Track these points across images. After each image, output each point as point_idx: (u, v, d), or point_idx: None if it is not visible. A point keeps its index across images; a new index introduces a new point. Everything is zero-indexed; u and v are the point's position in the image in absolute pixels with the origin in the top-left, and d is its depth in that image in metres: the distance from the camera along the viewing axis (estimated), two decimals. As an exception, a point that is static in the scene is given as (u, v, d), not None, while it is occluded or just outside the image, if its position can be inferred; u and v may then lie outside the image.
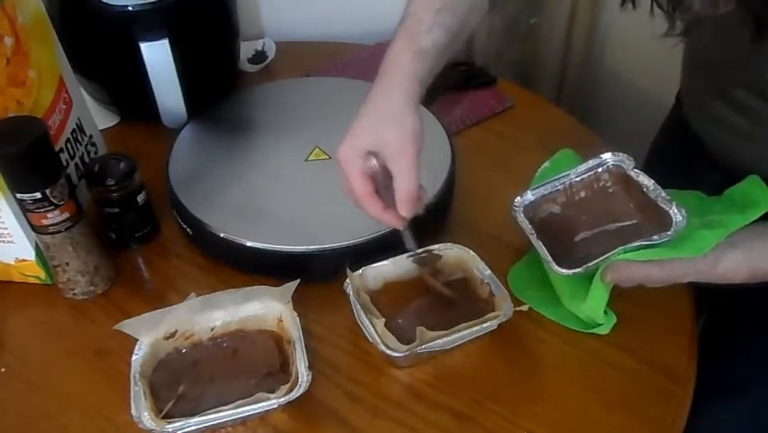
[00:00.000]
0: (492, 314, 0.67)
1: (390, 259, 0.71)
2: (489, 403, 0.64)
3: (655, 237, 0.63)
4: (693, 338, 0.70)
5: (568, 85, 1.38)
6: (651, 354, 0.67)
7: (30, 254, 0.72)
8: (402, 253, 0.71)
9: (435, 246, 0.72)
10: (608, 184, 0.72)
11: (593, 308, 0.67)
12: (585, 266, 0.65)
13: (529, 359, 0.68)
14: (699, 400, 0.66)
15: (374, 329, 0.65)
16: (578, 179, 0.72)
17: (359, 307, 0.67)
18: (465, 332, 0.65)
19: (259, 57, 1.09)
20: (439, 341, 0.64)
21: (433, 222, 0.76)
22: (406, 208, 0.60)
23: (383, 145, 0.60)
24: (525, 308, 0.69)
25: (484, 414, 0.63)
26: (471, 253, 0.71)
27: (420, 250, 0.71)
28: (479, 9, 0.68)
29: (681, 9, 0.59)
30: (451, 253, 0.72)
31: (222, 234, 0.73)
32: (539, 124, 0.97)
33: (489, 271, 0.70)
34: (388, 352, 0.63)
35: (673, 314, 0.71)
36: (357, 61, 1.08)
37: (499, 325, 0.66)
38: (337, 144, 0.61)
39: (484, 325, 0.66)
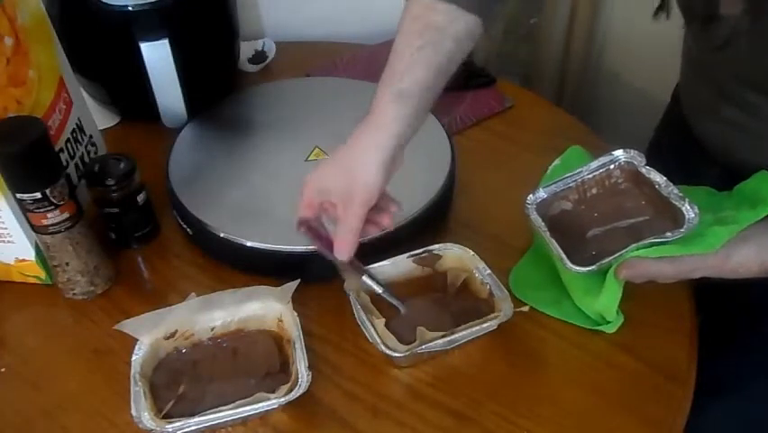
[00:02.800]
0: (492, 314, 0.67)
1: (390, 259, 0.71)
2: (488, 403, 0.64)
3: (668, 234, 0.63)
4: (693, 338, 0.70)
5: (568, 85, 1.38)
6: (651, 354, 0.67)
7: (30, 254, 0.72)
8: (402, 253, 0.71)
9: (435, 246, 0.72)
10: (620, 181, 0.72)
11: (607, 305, 0.67)
12: (599, 263, 0.65)
13: (529, 359, 0.68)
14: (699, 399, 0.66)
15: (374, 329, 0.65)
16: (590, 176, 0.72)
17: (359, 307, 0.67)
18: (465, 332, 0.65)
19: (259, 57, 1.09)
20: (439, 341, 0.64)
21: (433, 222, 0.77)
22: (339, 253, 0.62)
23: (331, 193, 0.61)
24: (525, 308, 0.69)
25: (484, 414, 0.63)
26: (471, 253, 0.71)
27: (420, 250, 0.72)
28: (469, 39, 0.64)
29: (718, 23, 0.58)
30: (451, 253, 0.72)
31: (222, 234, 0.73)
32: (539, 124, 0.97)
33: (489, 271, 0.70)
34: (388, 352, 0.63)
35: (673, 314, 0.71)
36: (357, 61, 1.08)
37: (499, 325, 0.66)
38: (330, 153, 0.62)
39: (484, 325, 0.66)
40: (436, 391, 0.65)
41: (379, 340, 0.64)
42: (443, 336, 0.64)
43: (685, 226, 0.63)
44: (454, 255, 0.72)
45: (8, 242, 0.71)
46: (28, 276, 0.74)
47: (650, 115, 0.96)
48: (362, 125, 0.61)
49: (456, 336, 0.65)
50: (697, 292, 0.73)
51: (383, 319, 0.65)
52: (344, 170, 0.61)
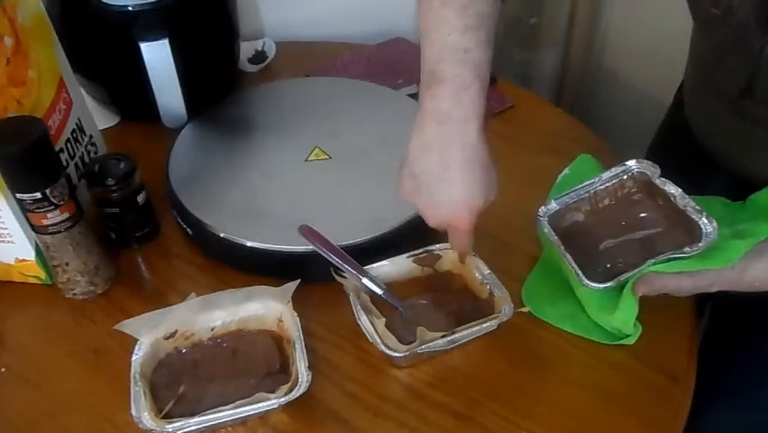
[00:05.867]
0: (492, 314, 0.67)
1: (390, 259, 0.71)
2: (488, 403, 0.64)
3: (687, 249, 0.62)
4: (693, 339, 0.70)
5: (568, 85, 1.38)
6: (651, 354, 0.67)
7: (30, 254, 0.72)
8: (402, 253, 0.71)
9: (435, 246, 0.72)
10: (633, 191, 0.71)
11: (623, 320, 0.66)
12: (617, 279, 0.64)
13: (529, 359, 0.68)
14: (700, 400, 0.66)
15: (374, 329, 0.65)
16: (602, 186, 0.71)
17: (359, 307, 0.67)
18: (465, 332, 0.65)
19: (259, 57, 1.09)
20: (439, 341, 0.64)
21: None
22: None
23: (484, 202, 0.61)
24: (525, 309, 0.69)
25: (484, 414, 0.63)
26: (471, 252, 0.71)
27: (420, 250, 0.72)
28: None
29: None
30: (451, 253, 0.72)
31: (222, 234, 0.73)
32: (539, 124, 0.97)
33: (488, 271, 0.70)
34: (388, 352, 0.63)
35: (673, 314, 0.71)
36: (357, 61, 1.08)
37: (499, 325, 0.66)
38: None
39: (484, 325, 0.66)
40: (436, 391, 0.65)
41: (379, 340, 0.64)
42: (443, 336, 0.64)
43: (703, 241, 0.62)
44: (454, 255, 0.72)
45: (8, 242, 0.71)
46: (28, 276, 0.74)
47: (650, 116, 0.96)
48: (450, 123, 0.57)
49: (456, 336, 0.65)
50: (702, 294, 0.72)
51: (383, 319, 0.65)
52: (489, 169, 0.59)
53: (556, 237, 0.68)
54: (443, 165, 0.58)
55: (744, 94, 0.64)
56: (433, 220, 0.62)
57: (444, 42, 0.57)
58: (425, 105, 0.58)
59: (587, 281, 0.64)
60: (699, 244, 0.62)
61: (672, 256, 0.63)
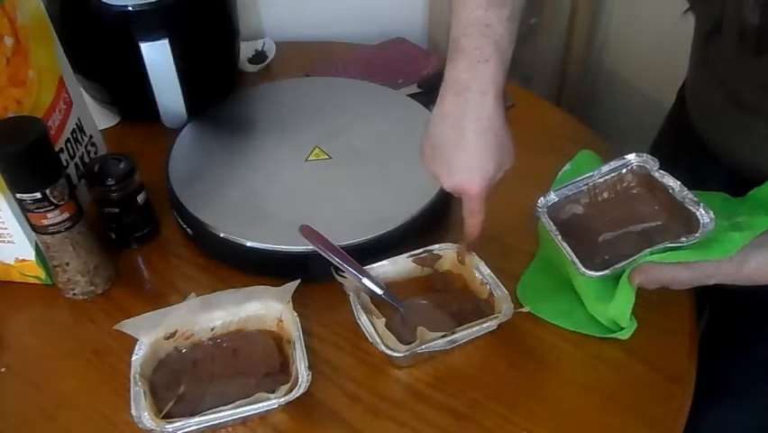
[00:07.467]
0: (492, 314, 0.67)
1: (390, 259, 0.71)
2: (488, 403, 0.64)
3: (683, 239, 0.62)
4: (693, 338, 0.70)
5: (568, 85, 1.38)
6: (651, 354, 0.67)
7: (30, 254, 0.72)
8: (402, 253, 0.71)
9: (435, 246, 0.72)
10: (632, 185, 0.71)
11: (619, 311, 0.66)
12: (612, 268, 0.64)
13: (529, 359, 0.68)
14: (700, 400, 0.66)
15: (374, 329, 0.65)
16: (601, 180, 0.71)
17: (359, 307, 0.67)
18: (465, 332, 0.65)
19: (259, 57, 1.09)
20: (439, 341, 0.64)
21: (433, 222, 0.77)
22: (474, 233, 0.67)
23: (496, 174, 0.65)
24: (525, 309, 0.69)
25: (484, 414, 0.63)
26: (471, 253, 0.71)
27: (420, 250, 0.72)
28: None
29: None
30: (451, 253, 0.72)
31: (222, 234, 0.73)
32: (539, 124, 0.97)
33: (488, 271, 0.70)
34: (388, 352, 0.63)
35: (673, 314, 0.71)
36: (357, 61, 1.08)
37: (499, 325, 0.66)
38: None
39: (484, 325, 0.66)
40: (436, 391, 0.65)
41: (379, 340, 0.64)
42: (443, 336, 0.64)
43: (700, 231, 0.62)
44: (454, 255, 0.72)
45: (8, 242, 0.71)
46: (28, 276, 0.74)
47: (650, 115, 0.96)
48: (466, 94, 0.60)
49: (456, 336, 0.65)
50: (701, 293, 0.72)
51: (383, 319, 0.66)
52: (504, 139, 0.63)
53: (554, 227, 0.68)
54: (458, 133, 0.61)
55: (712, 32, 0.67)
56: (447, 184, 0.64)
57: (469, 18, 0.60)
58: (447, 77, 0.62)
59: (583, 269, 0.64)
60: (696, 235, 0.62)
61: (668, 246, 0.63)
